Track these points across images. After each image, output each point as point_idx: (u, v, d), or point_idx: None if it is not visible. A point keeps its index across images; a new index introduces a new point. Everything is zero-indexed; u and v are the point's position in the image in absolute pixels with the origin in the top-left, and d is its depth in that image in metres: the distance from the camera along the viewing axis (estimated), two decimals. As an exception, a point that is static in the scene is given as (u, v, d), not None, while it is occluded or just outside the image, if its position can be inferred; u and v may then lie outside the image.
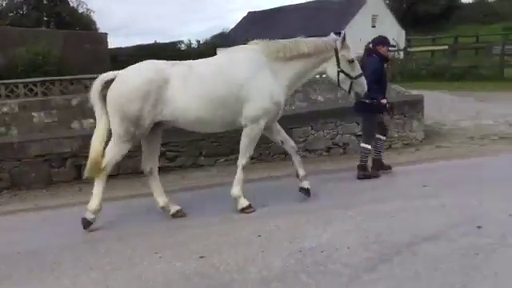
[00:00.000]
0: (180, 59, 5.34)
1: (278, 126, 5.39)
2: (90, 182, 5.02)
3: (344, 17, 25.35)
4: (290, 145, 5.38)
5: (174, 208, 5.10)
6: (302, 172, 5.34)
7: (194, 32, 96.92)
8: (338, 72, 5.15)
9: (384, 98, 6.10)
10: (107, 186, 4.98)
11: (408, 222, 4.39)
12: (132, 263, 3.93)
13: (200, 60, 5.15)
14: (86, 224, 4.83)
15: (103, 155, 4.79)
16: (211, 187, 6.31)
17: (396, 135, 8.26)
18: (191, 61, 5.14)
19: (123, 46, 39.98)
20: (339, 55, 5.09)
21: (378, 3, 27.16)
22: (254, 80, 4.88)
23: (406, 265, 3.51)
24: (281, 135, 5.40)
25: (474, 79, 16.87)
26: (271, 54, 5.00)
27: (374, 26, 26.09)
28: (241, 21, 39.37)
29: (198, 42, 42.19)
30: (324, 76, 6.30)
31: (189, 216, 5.10)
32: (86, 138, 6.91)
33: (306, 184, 5.36)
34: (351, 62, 5.12)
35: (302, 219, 4.68)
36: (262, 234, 4.34)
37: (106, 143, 4.87)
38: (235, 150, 7.42)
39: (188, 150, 7.41)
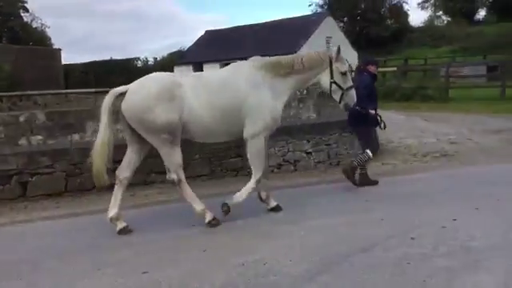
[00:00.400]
0: (136, 76, 5.41)
1: None
2: (35, 199, 4.94)
3: (299, 38, 26.05)
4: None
5: (121, 224, 5.07)
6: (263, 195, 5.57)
7: (152, 49, 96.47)
8: (331, 83, 5.39)
9: (374, 109, 6.47)
10: (53, 203, 4.92)
11: (348, 234, 4.58)
12: (73, 280, 3.89)
13: (207, 72, 5.31)
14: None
15: (105, 166, 4.90)
16: (160, 204, 6.32)
17: (345, 152, 8.54)
18: (199, 72, 5.39)
19: (78, 61, 39.28)
20: (333, 67, 5.34)
21: (332, 25, 28.10)
22: (255, 95, 5.09)
23: (343, 275, 3.67)
24: None
25: (422, 99, 17.62)
26: (270, 70, 5.23)
27: (328, 48, 26.88)
28: (198, 39, 39.58)
29: (155, 59, 42.07)
30: None
31: (135, 233, 5.08)
32: (33, 155, 6.90)
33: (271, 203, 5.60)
34: (344, 74, 5.38)
35: (248, 234, 4.80)
36: (208, 249, 4.40)
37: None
38: (188, 167, 7.53)
39: (138, 167, 7.36)
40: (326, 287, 3.48)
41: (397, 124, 12.65)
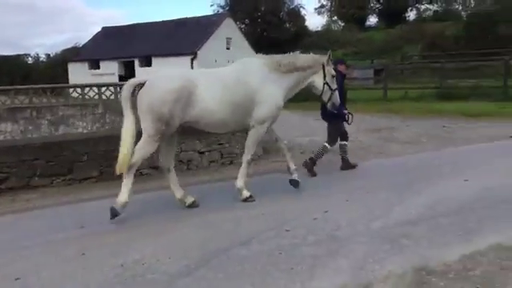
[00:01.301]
0: (25, 73, 5.20)
1: (272, 126, 6.18)
2: None
3: (199, 38, 26.13)
4: (283, 142, 6.53)
5: (189, 199, 5.67)
6: (292, 166, 6.25)
7: (48, 44, 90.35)
8: (324, 84, 6.07)
9: (345, 108, 7.32)
10: None
11: (229, 230, 4.79)
12: None
13: (219, 69, 5.95)
14: (113, 215, 5.13)
15: (130, 154, 5.14)
16: (43, 208, 6.07)
17: (238, 151, 8.79)
18: (213, 69, 5.92)
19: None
20: (326, 70, 6.02)
21: (232, 26, 28.54)
22: (264, 87, 5.66)
23: (220, 268, 3.85)
24: (275, 134, 6.36)
25: (318, 100, 18.56)
26: (273, 67, 5.77)
27: (228, 48, 27.33)
28: (95, 35, 37.93)
29: (48, 55, 39.60)
30: None
31: (12, 239, 4.85)
32: None
33: (295, 176, 6.22)
34: (333, 77, 6.13)
35: (130, 235, 4.81)
36: (87, 251, 4.35)
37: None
38: (73, 170, 7.29)
39: (19, 170, 6.99)
40: (202, 280, 3.64)
41: (292, 124, 13.30)
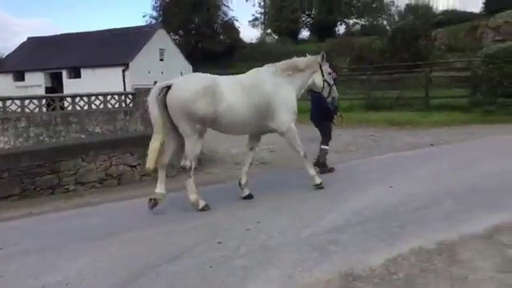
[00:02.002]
0: None
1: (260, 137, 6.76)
2: None
3: (131, 49, 25.57)
4: (252, 156, 6.87)
5: (202, 203, 5.90)
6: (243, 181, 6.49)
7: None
8: (323, 81, 6.70)
9: (338, 111, 7.89)
10: None
11: (160, 245, 4.68)
12: None
13: (238, 75, 6.30)
14: (152, 206, 5.81)
15: (161, 149, 5.68)
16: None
17: (174, 164, 8.64)
18: (235, 76, 6.30)
19: None
20: (322, 68, 6.66)
21: (164, 38, 28.20)
22: (277, 91, 6.17)
23: (148, 285, 3.74)
24: (255, 144, 6.77)
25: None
26: (281, 72, 6.35)
27: (162, 60, 26.95)
28: (20, 46, 35.96)
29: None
30: (101, 107, 6.41)
31: None
32: None
33: (246, 192, 6.50)
34: (329, 74, 6.78)
35: (53, 254, 4.56)
36: (5, 274, 4.08)
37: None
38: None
39: None
40: (129, 299, 3.52)
41: (225, 135, 13.30)
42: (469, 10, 41.83)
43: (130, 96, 13.32)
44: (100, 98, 13.12)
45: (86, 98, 13.14)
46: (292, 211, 5.62)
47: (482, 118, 13.55)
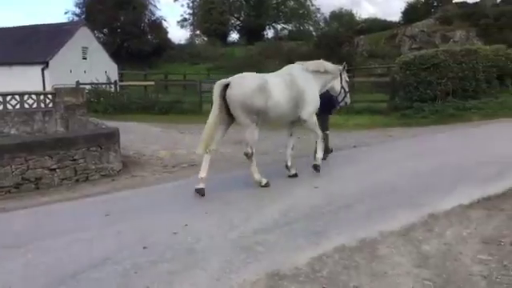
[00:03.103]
0: None
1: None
2: None
3: (51, 46, 24.17)
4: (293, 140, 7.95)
5: (264, 180, 6.90)
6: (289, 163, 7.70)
7: None
8: (341, 87, 7.93)
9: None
10: None
11: (81, 251, 4.47)
12: None
13: (277, 72, 7.32)
14: (200, 192, 6.42)
15: (212, 138, 6.57)
16: None
17: (93, 167, 8.31)
18: (275, 72, 7.35)
19: None
20: (342, 76, 7.90)
21: (88, 35, 26.99)
22: (308, 86, 7.18)
23: (68, 295, 3.55)
24: (293, 130, 7.76)
25: (179, 113, 18.53)
26: (310, 71, 7.36)
27: (85, 58, 25.80)
28: None
29: None
30: (18, 107, 5.99)
31: None
32: None
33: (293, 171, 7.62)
34: (347, 81, 8.06)
35: (-39, 266, 4.20)
36: None
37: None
38: None
39: None
40: (46, 311, 3.32)
41: (153, 137, 13.03)
42: (389, 19, 44.28)
43: (50, 96, 12.61)
44: (16, 97, 12.29)
45: (0, 98, 12.27)
46: (220, 214, 5.60)
47: (400, 121, 14.34)
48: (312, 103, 7.26)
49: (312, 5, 52.24)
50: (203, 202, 6.14)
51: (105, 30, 39.53)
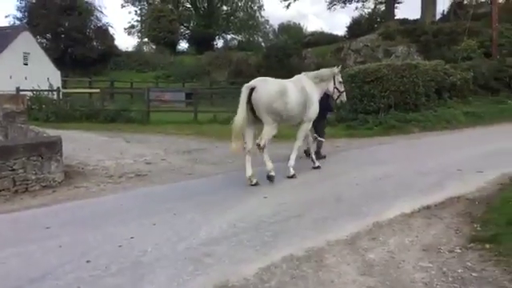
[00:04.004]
0: None
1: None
2: None
3: (-9, 51, 23.10)
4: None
5: (254, 180, 7.67)
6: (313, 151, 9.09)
7: None
8: (334, 88, 9.02)
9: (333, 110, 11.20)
10: None
11: (19, 267, 4.24)
12: None
13: (290, 79, 8.34)
14: (271, 178, 7.70)
15: (240, 136, 7.53)
16: None
17: (34, 177, 7.92)
18: (287, 80, 8.26)
19: None
20: (335, 78, 9.00)
21: (29, 41, 25.89)
22: (312, 94, 8.31)
23: (3, 314, 3.35)
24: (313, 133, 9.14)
25: (125, 121, 18.11)
26: (312, 79, 8.60)
27: (26, 64, 24.71)
28: None
29: None
30: None
31: None
32: None
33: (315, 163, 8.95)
34: (340, 82, 9.15)
35: None
36: None
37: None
38: None
39: None
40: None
41: (98, 146, 12.63)
42: (335, 32, 45.68)
43: (-13, 102, 11.96)
44: (-51, 103, 11.55)
45: None
46: (167, 225, 5.49)
47: (346, 132, 14.75)
48: (314, 108, 8.40)
49: (261, 16, 53.05)
50: (150, 214, 6.01)
51: (48, 36, 38.10)
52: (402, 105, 15.33)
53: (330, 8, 43.71)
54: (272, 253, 4.53)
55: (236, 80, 28.90)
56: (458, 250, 4.60)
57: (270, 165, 7.77)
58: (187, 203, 6.58)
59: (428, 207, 6.07)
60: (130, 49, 50.31)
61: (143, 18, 52.13)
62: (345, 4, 43.21)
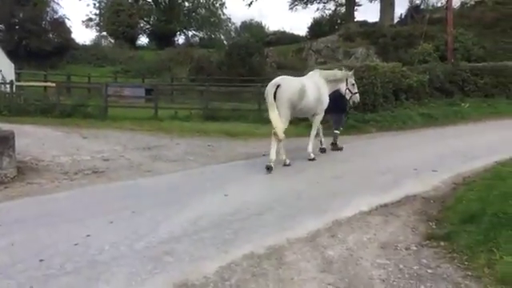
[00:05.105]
0: None
1: None
2: None
3: None
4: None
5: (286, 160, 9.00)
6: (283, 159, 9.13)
7: None
8: (346, 89, 10.11)
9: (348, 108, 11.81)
10: None
11: (-34, 267, 4.02)
12: None
13: (305, 77, 9.54)
14: (269, 168, 8.31)
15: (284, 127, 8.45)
16: None
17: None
18: (303, 77, 9.53)
19: None
20: (348, 80, 10.10)
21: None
22: (323, 89, 9.43)
23: None
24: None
25: (82, 117, 17.57)
26: (323, 77, 9.65)
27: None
28: None
29: None
30: None
31: None
32: None
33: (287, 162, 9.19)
34: (353, 84, 10.23)
35: None
36: None
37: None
38: None
39: None
40: None
41: (53, 141, 12.21)
42: (296, 32, 46.12)
43: None
44: None
45: None
46: (126, 223, 5.37)
47: (307, 131, 14.87)
48: (324, 102, 9.52)
49: (223, 14, 52.79)
50: (107, 211, 5.84)
51: (1, 27, 36.47)
52: (361, 105, 15.64)
53: (291, 8, 44.10)
54: (232, 251, 4.50)
55: (197, 77, 28.68)
56: (414, 248, 4.73)
57: (273, 157, 8.45)
58: (146, 201, 6.46)
59: (385, 205, 6.22)
60: (87, 42, 48.92)
61: (102, 11, 50.80)
62: (306, 5, 43.71)
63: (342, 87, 10.08)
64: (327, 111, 10.18)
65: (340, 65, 17.08)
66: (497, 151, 9.52)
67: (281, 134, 8.30)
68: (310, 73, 9.83)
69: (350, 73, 10.24)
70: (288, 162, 8.92)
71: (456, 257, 4.39)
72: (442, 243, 4.74)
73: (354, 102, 10.54)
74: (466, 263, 4.23)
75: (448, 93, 18.83)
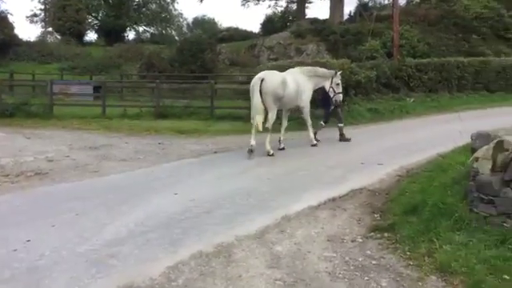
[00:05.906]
0: None
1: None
2: None
3: None
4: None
5: (271, 151, 9.77)
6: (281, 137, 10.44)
7: None
8: (330, 87, 10.81)
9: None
10: None
11: None
12: None
13: (286, 72, 10.44)
14: (250, 151, 9.44)
15: (265, 119, 9.40)
16: None
17: None
18: (284, 72, 10.39)
19: None
20: (333, 79, 10.80)
21: None
22: (304, 85, 10.38)
23: None
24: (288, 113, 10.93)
25: (26, 116, 16.82)
26: (305, 73, 10.57)
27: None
28: None
29: None
30: None
31: None
32: None
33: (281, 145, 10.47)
34: (337, 84, 10.88)
35: None
36: None
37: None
38: None
39: None
40: None
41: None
42: (249, 29, 46.11)
43: None
44: None
45: None
46: (69, 226, 5.19)
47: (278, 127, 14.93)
48: (306, 95, 10.43)
49: (175, 9, 52.01)
50: (50, 215, 5.62)
51: None
52: (312, 101, 15.85)
53: (243, 4, 44.02)
54: (180, 250, 4.45)
55: (148, 74, 28.10)
56: (360, 240, 4.85)
57: (268, 147, 9.65)
58: (91, 202, 6.26)
59: (333, 199, 6.33)
60: (32, 39, 46.72)
61: (47, 6, 48.75)
62: (258, 1, 43.77)
63: (326, 85, 10.81)
64: (318, 106, 11.38)
65: (291, 62, 17.28)
66: (439, 144, 9.90)
67: (260, 126, 9.17)
68: (290, 70, 10.73)
69: (338, 73, 11.03)
70: (272, 152, 9.68)
71: (399, 247, 4.53)
72: (386, 234, 4.88)
73: (335, 101, 11.04)
74: (408, 253, 4.37)
75: (394, 88, 19.41)
